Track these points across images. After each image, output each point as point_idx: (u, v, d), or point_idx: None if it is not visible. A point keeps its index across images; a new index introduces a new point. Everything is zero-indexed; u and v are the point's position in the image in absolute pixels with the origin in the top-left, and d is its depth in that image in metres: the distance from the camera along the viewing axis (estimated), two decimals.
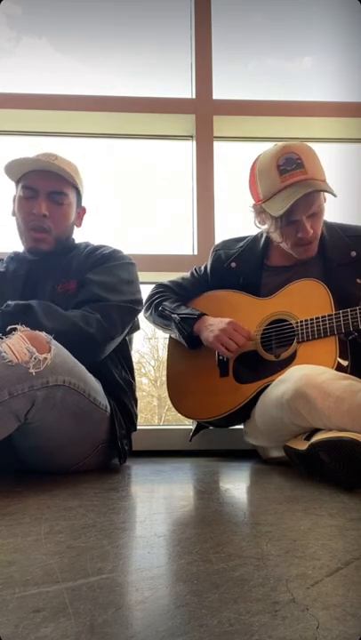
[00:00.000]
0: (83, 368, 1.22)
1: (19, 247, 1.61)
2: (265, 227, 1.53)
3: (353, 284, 1.42)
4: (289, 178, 1.38)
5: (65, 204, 1.47)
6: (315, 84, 2.29)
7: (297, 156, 1.40)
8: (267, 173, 1.43)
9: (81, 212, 1.58)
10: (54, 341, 1.13)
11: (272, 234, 1.51)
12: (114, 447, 1.35)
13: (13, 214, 1.52)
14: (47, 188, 1.44)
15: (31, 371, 1.04)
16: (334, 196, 1.38)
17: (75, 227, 1.56)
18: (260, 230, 1.65)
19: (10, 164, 1.47)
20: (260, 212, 1.50)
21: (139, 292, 1.46)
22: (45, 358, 1.07)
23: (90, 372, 1.26)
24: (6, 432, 1.07)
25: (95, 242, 1.57)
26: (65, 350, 1.17)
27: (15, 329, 1.09)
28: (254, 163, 1.50)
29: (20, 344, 1.05)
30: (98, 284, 1.38)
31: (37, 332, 1.11)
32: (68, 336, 1.20)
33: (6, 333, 1.09)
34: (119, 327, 1.36)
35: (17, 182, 1.51)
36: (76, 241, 1.58)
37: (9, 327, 1.10)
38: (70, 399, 1.15)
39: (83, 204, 1.59)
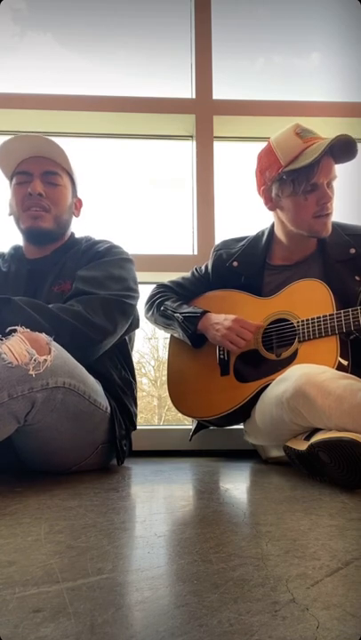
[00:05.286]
0: (83, 369, 1.21)
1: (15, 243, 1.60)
2: (283, 196, 1.47)
3: (351, 280, 1.43)
4: (310, 139, 1.43)
5: (60, 184, 1.47)
6: (318, 83, 2.29)
7: (310, 129, 1.47)
8: (287, 140, 1.45)
9: (77, 202, 1.57)
10: (54, 343, 1.12)
11: (289, 206, 1.47)
12: (114, 447, 1.35)
13: (10, 213, 1.51)
14: (41, 169, 1.45)
15: (31, 372, 1.03)
16: (355, 154, 1.43)
17: (73, 216, 1.55)
18: (261, 229, 1.65)
19: (4, 148, 1.46)
20: (280, 180, 1.46)
21: (130, 288, 1.41)
22: (45, 360, 1.06)
23: (89, 371, 1.25)
24: (6, 433, 1.06)
25: (96, 234, 1.56)
26: (65, 352, 1.16)
27: (15, 330, 1.08)
28: (265, 147, 1.51)
29: (19, 345, 1.05)
30: (84, 280, 1.35)
31: (37, 333, 1.11)
32: (56, 329, 1.19)
33: (6, 335, 1.09)
34: (107, 320, 1.30)
35: (10, 178, 1.51)
36: (77, 235, 1.57)
37: (9, 328, 1.09)
38: (70, 401, 1.14)
39: (80, 198, 1.58)
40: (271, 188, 1.49)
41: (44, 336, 1.11)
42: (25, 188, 1.44)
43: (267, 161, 1.49)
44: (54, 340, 1.14)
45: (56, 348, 1.12)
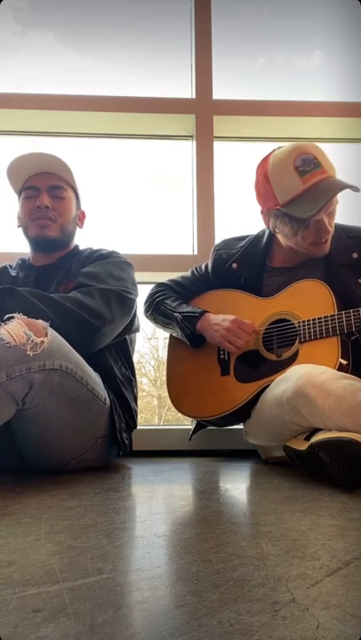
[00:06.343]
0: (79, 356, 1.24)
1: (19, 250, 1.66)
2: (279, 231, 1.47)
3: (354, 284, 1.42)
4: (310, 178, 1.36)
5: (65, 198, 1.55)
6: (319, 83, 2.29)
7: (313, 155, 1.38)
8: (284, 176, 1.39)
9: (81, 214, 1.64)
10: (51, 328, 1.16)
11: (288, 238, 1.47)
12: (114, 443, 1.36)
13: (19, 225, 1.58)
14: (47, 184, 1.53)
15: (29, 352, 1.07)
16: (358, 190, 1.35)
17: (77, 227, 1.62)
18: (261, 229, 1.65)
19: (13, 165, 1.54)
20: (277, 216, 1.44)
21: (128, 287, 1.45)
22: (42, 341, 1.10)
23: (90, 365, 1.28)
24: (5, 417, 1.09)
25: (97, 245, 1.62)
26: (61, 338, 1.19)
27: (13, 316, 1.12)
28: (263, 166, 1.46)
29: (17, 328, 1.09)
30: (85, 275, 1.42)
31: (34, 319, 1.15)
32: (59, 316, 1.24)
33: (4, 321, 1.12)
34: (105, 307, 1.34)
35: (19, 194, 1.58)
36: (80, 247, 1.63)
37: (7, 316, 1.13)
38: (68, 385, 1.17)
39: (82, 208, 1.64)
40: (268, 218, 1.48)
41: (40, 321, 1.15)
42: (33, 201, 1.52)
43: (263, 190, 1.45)
44: (59, 326, 1.19)
45: (53, 333, 1.15)
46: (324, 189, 1.35)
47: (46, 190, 1.52)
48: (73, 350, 1.22)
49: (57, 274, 1.51)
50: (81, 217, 1.64)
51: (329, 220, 1.42)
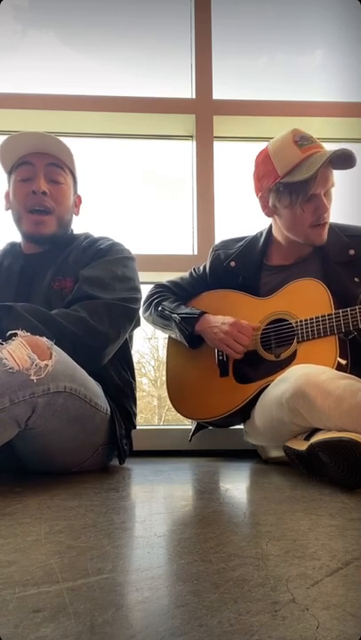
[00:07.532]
0: (84, 372, 1.20)
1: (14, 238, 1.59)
2: (279, 206, 1.46)
3: (351, 282, 1.42)
4: (308, 149, 1.41)
5: (63, 183, 1.46)
6: (320, 82, 2.29)
7: (309, 135, 1.45)
8: (285, 149, 1.43)
9: (77, 199, 1.56)
10: (55, 347, 1.11)
11: (287, 218, 1.46)
12: (114, 447, 1.35)
13: (8, 208, 1.49)
14: (44, 162, 1.43)
15: (32, 378, 1.02)
16: (351, 161, 1.40)
17: (73, 215, 1.53)
18: (259, 230, 1.65)
19: (7, 143, 1.44)
20: (277, 190, 1.45)
21: (134, 289, 1.41)
22: (46, 365, 1.05)
23: (88, 372, 1.24)
24: (6, 438, 1.05)
25: (96, 233, 1.55)
26: (66, 356, 1.15)
27: (15, 334, 1.07)
28: (262, 151, 1.49)
29: (20, 350, 1.03)
30: (89, 281, 1.34)
31: (38, 337, 1.09)
32: (58, 339, 1.16)
33: (6, 339, 1.07)
34: (111, 327, 1.29)
35: (10, 173, 1.49)
36: (76, 232, 1.55)
37: (9, 332, 1.08)
38: (71, 405, 1.14)
39: (79, 194, 1.57)
40: (268, 196, 1.49)
41: (45, 340, 1.09)
42: (28, 185, 1.42)
43: (264, 169, 1.48)
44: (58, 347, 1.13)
45: (57, 352, 1.10)
46: (321, 155, 1.39)
47: (43, 170, 1.42)
48: (77, 367, 1.18)
49: (50, 264, 1.43)
50: (77, 202, 1.55)
51: (326, 201, 1.44)
